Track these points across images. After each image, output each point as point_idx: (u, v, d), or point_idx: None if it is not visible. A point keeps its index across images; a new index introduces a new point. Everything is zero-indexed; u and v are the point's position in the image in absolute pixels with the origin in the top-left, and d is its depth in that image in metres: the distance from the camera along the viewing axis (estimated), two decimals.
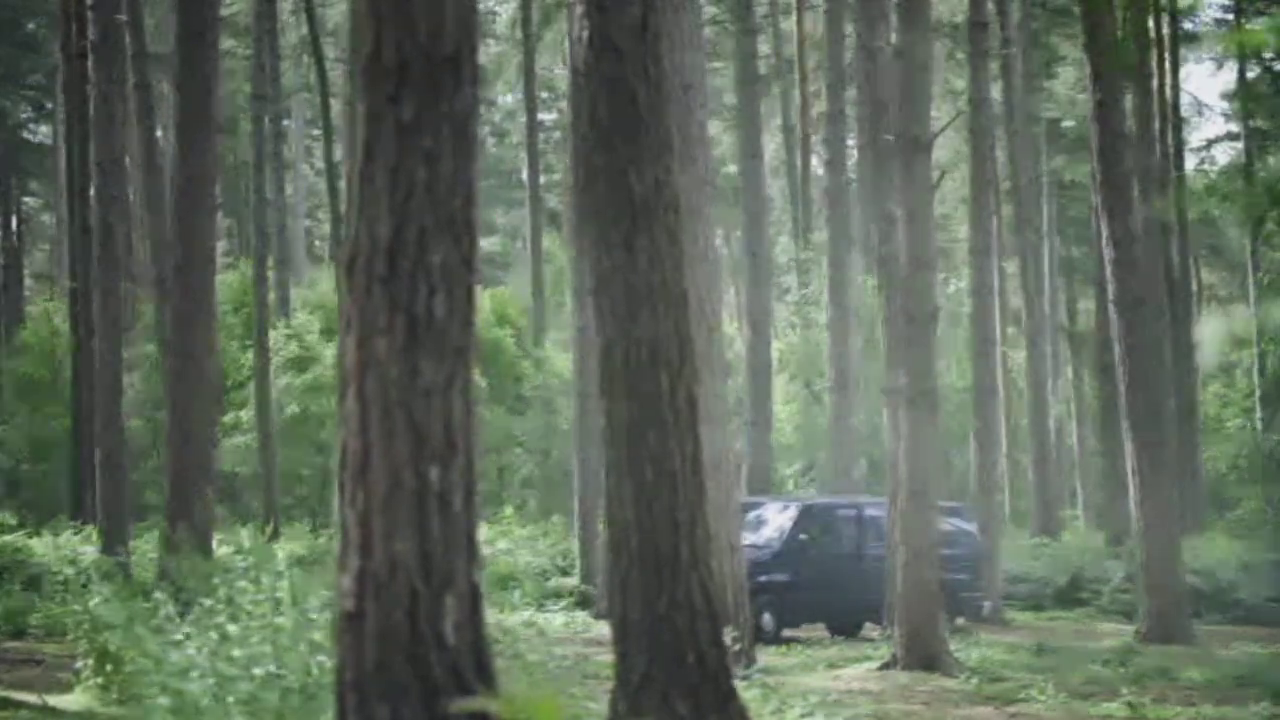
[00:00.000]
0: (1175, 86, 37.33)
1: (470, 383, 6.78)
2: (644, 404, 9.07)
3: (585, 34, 9.13)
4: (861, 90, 27.23)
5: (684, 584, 9.04)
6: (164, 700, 7.91)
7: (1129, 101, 25.37)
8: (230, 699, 8.30)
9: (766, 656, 18.61)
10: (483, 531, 23.32)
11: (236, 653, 9.03)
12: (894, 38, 17.11)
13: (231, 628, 10.00)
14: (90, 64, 23.97)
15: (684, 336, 9.16)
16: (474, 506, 6.74)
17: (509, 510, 33.11)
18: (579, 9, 9.21)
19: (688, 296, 9.33)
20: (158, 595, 11.43)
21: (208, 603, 10.63)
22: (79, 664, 12.25)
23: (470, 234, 6.80)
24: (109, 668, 11.77)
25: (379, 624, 6.59)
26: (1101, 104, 21.54)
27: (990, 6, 31.99)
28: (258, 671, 9.32)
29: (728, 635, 13.57)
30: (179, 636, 10.02)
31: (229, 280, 40.76)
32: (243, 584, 11.10)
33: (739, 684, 13.10)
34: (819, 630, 23.68)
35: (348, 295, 6.79)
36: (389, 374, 6.65)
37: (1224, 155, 50.46)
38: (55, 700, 12.23)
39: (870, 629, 23.01)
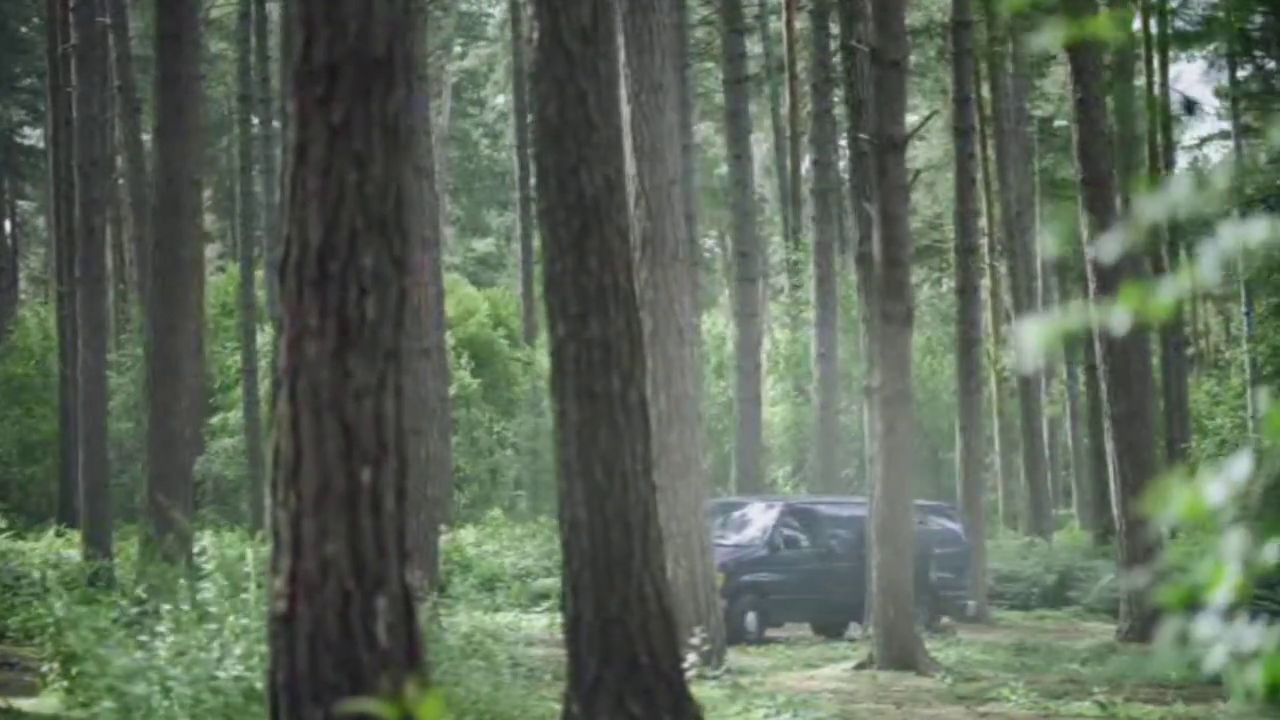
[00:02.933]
0: (1164, 85, 37.29)
1: (403, 384, 6.79)
2: (595, 404, 9.06)
3: (535, 35, 9.13)
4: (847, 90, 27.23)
5: (636, 584, 9.03)
6: (109, 703, 7.91)
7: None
8: (179, 701, 8.30)
9: (746, 657, 18.60)
10: (470, 533, 23.28)
11: (191, 654, 9.04)
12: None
13: (198, 631, 10.02)
14: (73, 67, 23.99)
15: (635, 337, 9.16)
16: (406, 507, 6.74)
17: (497, 511, 33.10)
18: (529, 9, 9.22)
19: (637, 296, 9.32)
20: (119, 600, 11.45)
21: (168, 606, 10.69)
22: (44, 667, 12.26)
23: (402, 236, 6.81)
24: (74, 671, 11.78)
25: (311, 625, 6.60)
26: (1082, 102, 21.51)
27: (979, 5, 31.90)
28: (220, 674, 9.33)
29: (697, 635, 13.61)
30: (144, 639, 10.05)
31: (219, 283, 40.76)
32: (208, 587, 11.14)
33: (709, 684, 13.13)
34: (804, 630, 23.67)
35: (280, 297, 6.81)
36: (320, 376, 6.66)
37: (1217, 153, 50.48)
38: (22, 703, 12.24)
39: (855, 628, 22.98)
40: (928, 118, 21.76)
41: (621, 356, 9.08)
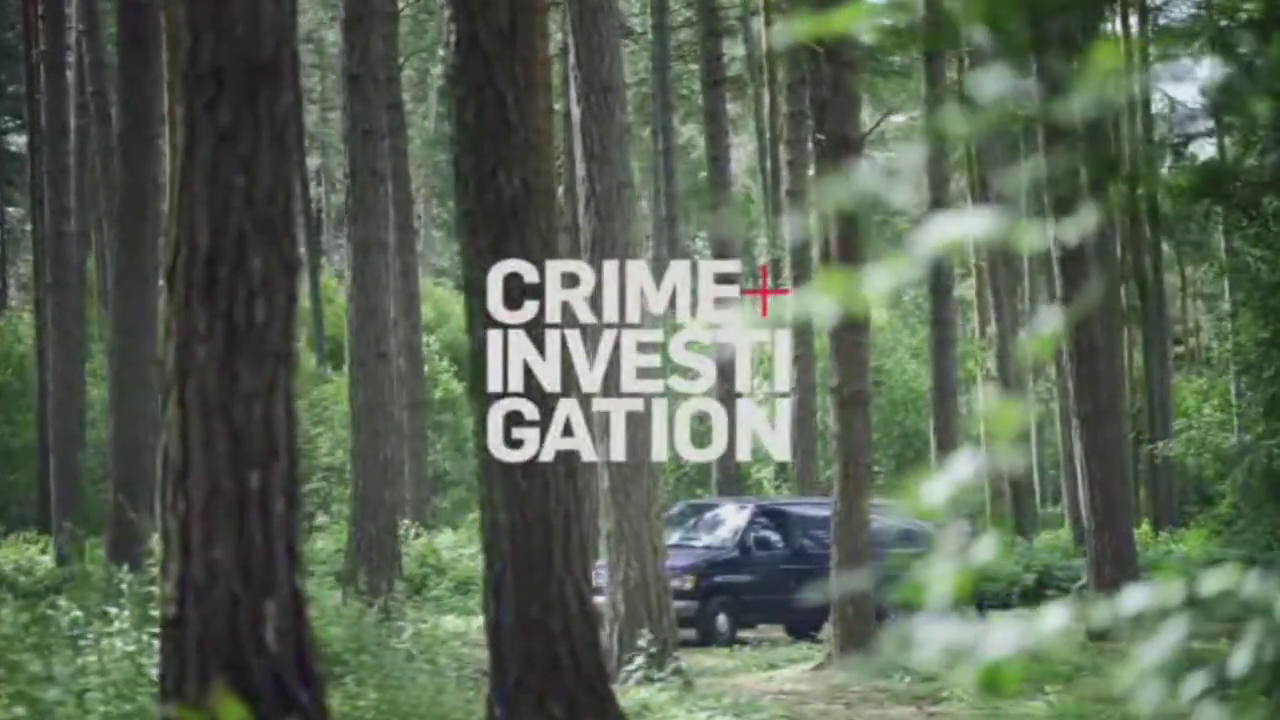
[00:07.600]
0: (1145, 83, 37.27)
1: (293, 388, 6.78)
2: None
3: (453, 37, 9.12)
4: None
5: (557, 586, 9.03)
6: (20, 710, 7.92)
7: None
8: (93, 705, 8.31)
9: (710, 658, 18.63)
10: (448, 536, 23.15)
11: (112, 657, 9.05)
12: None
13: (132, 634, 10.02)
14: (41, 72, 24.00)
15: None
16: (297, 511, 6.74)
17: (478, 514, 33.06)
18: (448, 12, 9.22)
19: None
20: (62, 603, 11.45)
21: (113, 610, 10.70)
22: None
23: (291, 238, 6.80)
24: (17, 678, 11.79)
25: (199, 629, 6.60)
26: (1046, 99, 21.46)
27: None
28: (160, 680, 9.33)
29: (643, 637, 13.61)
30: (84, 644, 10.05)
31: None
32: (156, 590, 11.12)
33: (655, 685, 13.12)
34: (778, 631, 23.63)
35: (168, 301, 6.81)
36: (208, 380, 6.66)
37: (1204, 152, 50.41)
38: None
39: (829, 629, 22.95)
40: (882, 118, 21.75)
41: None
